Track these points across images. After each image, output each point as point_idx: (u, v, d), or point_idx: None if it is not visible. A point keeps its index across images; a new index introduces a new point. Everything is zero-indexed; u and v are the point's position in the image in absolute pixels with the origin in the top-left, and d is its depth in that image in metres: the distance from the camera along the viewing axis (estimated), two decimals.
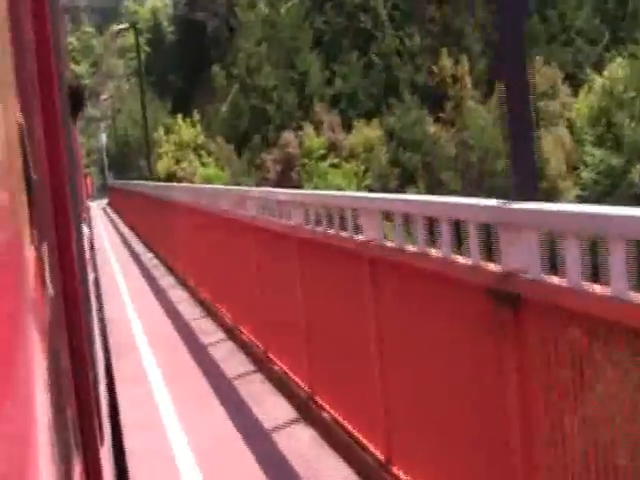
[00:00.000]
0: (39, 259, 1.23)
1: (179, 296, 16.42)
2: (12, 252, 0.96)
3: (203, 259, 15.12)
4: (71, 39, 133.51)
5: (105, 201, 62.35)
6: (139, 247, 28.55)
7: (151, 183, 34.54)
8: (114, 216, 50.48)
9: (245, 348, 10.65)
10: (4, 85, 1.05)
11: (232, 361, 10.28)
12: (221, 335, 12.05)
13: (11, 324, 0.85)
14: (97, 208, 57.43)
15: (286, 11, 69.33)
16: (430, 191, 54.12)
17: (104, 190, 68.23)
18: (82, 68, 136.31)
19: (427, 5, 65.07)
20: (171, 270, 19.81)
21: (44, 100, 1.78)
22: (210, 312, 13.73)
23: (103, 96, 75.88)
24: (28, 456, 0.78)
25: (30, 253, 1.14)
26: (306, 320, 7.76)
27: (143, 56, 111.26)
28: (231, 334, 11.67)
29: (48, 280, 1.32)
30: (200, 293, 15.24)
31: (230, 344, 11.31)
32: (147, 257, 24.72)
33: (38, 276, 1.18)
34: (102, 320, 8.46)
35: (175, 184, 37.34)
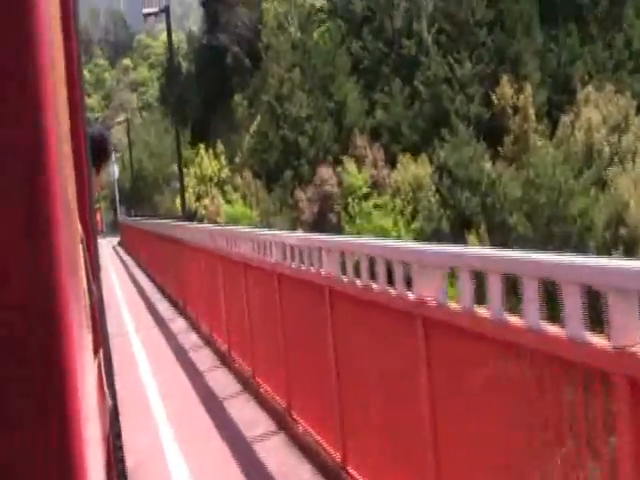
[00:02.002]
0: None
1: (252, 419, 9.34)
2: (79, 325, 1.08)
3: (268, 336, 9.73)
4: (84, 71, 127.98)
5: (116, 239, 55.69)
6: (164, 307, 21.53)
7: (173, 222, 28.04)
8: (126, 258, 43.58)
9: None
10: (67, 160, 1.10)
11: None
12: None
13: (80, 377, 0.93)
14: (107, 246, 50.69)
15: (319, 35, 62.94)
16: (493, 236, 47.15)
17: (114, 227, 61.80)
18: (94, 101, 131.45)
19: (477, 29, 58.42)
20: (221, 355, 12.84)
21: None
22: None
23: (118, 119, 69.24)
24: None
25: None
26: (338, 382, 6.80)
27: (157, 88, 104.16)
28: None
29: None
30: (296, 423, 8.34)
31: None
32: (179, 325, 17.66)
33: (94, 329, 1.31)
34: None
35: (208, 225, 30.69)
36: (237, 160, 59.05)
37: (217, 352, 13.36)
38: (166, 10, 26.23)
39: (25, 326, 0.81)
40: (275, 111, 56.46)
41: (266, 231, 11.07)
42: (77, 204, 1.62)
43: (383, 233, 47.06)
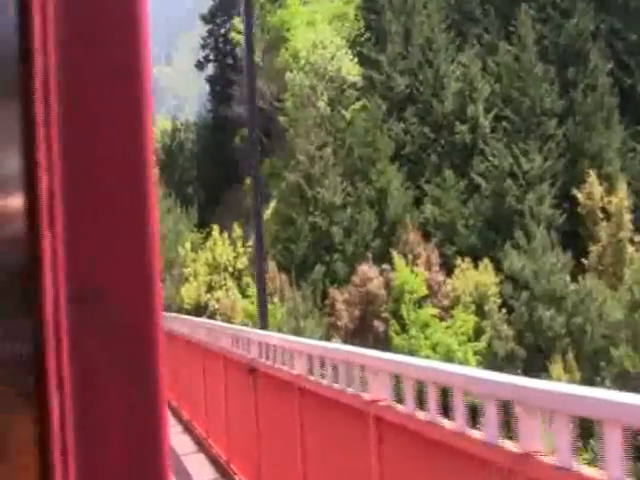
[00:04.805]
0: None
1: None
2: None
3: None
4: None
5: None
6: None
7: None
8: None
9: None
10: None
11: None
12: None
13: None
14: None
15: (352, 113, 53.85)
16: (582, 366, 37.33)
17: None
18: None
19: (545, 119, 49.65)
20: None
21: None
22: None
23: None
24: None
25: None
26: None
27: (157, 170, 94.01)
28: None
29: None
30: None
31: None
32: None
33: None
34: None
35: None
36: (249, 249, 48.97)
37: None
38: None
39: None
40: (304, 194, 46.78)
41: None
42: None
43: (447, 353, 37.03)
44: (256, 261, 16.40)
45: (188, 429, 15.19)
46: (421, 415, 4.76)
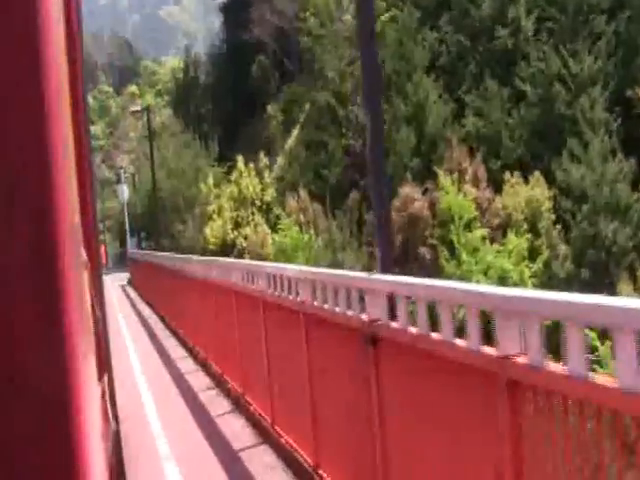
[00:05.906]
0: None
1: None
2: None
3: None
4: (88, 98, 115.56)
5: (123, 275, 42.56)
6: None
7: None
8: (143, 307, 30.09)
9: None
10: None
11: None
12: None
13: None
14: (113, 286, 37.99)
15: (383, 24, 49.64)
16: None
17: (122, 261, 48.95)
18: (98, 128, 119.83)
19: (593, 17, 45.16)
20: None
21: None
22: None
23: (134, 107, 56.13)
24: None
25: None
26: None
27: (165, 116, 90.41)
28: None
29: None
30: None
31: None
32: None
33: None
34: None
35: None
36: (271, 179, 45.41)
37: None
38: None
39: (29, 351, 0.81)
40: (335, 115, 42.95)
41: None
42: (81, 228, 1.51)
43: (502, 276, 33.39)
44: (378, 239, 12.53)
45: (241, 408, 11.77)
46: None
